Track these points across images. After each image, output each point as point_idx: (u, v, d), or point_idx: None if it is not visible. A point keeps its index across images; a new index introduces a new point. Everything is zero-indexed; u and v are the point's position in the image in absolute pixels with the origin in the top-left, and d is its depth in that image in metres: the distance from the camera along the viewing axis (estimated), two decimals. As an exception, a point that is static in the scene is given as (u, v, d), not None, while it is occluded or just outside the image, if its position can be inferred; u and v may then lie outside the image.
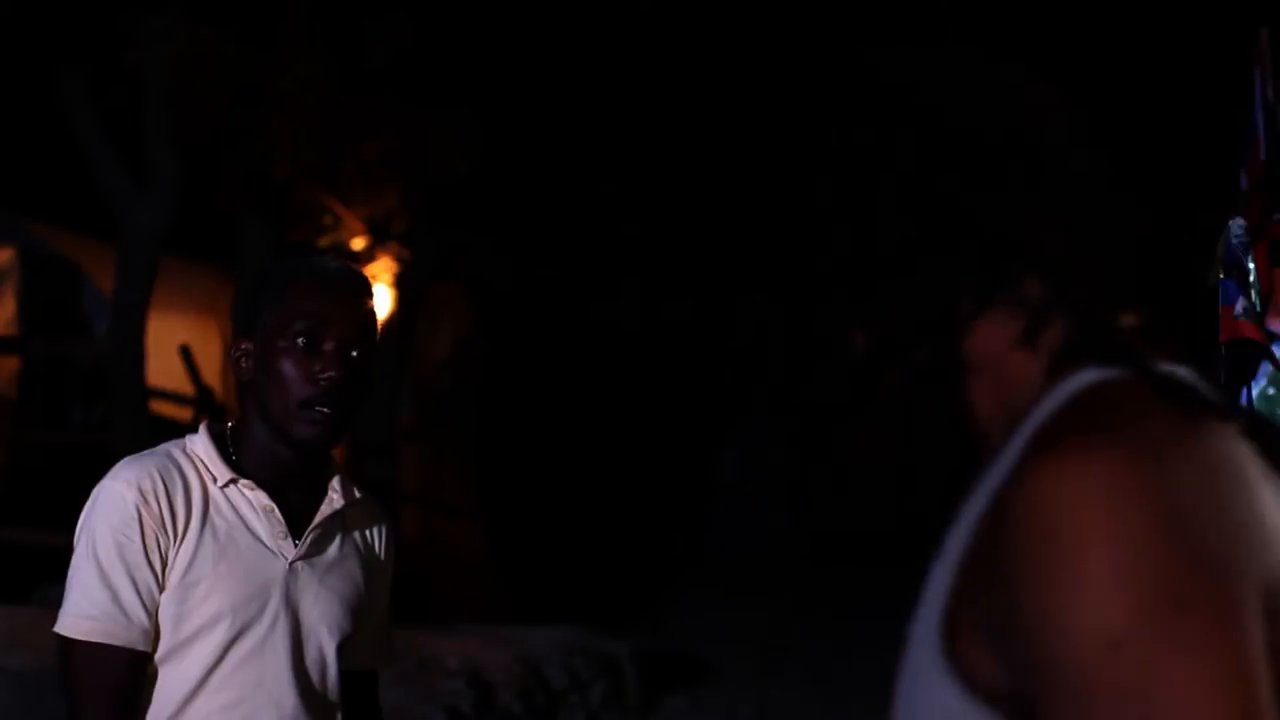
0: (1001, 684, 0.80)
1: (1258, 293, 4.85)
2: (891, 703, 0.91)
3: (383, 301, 8.63)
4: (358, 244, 8.70)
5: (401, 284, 8.94)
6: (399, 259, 8.81)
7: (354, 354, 2.02)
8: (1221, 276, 4.98)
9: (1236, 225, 4.99)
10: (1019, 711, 0.79)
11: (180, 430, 2.13)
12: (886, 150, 0.93)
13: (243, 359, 2.06)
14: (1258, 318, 4.81)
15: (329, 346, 2.00)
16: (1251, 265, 4.88)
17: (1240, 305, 4.84)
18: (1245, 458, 0.82)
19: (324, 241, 8.38)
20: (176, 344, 8.17)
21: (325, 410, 1.99)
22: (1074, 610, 0.74)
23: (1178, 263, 0.96)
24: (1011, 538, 0.78)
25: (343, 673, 2.10)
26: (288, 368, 1.99)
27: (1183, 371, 0.88)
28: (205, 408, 7.75)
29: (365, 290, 2.09)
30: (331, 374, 1.98)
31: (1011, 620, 0.78)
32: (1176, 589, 0.74)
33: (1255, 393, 4.75)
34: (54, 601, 1.99)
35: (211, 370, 8.47)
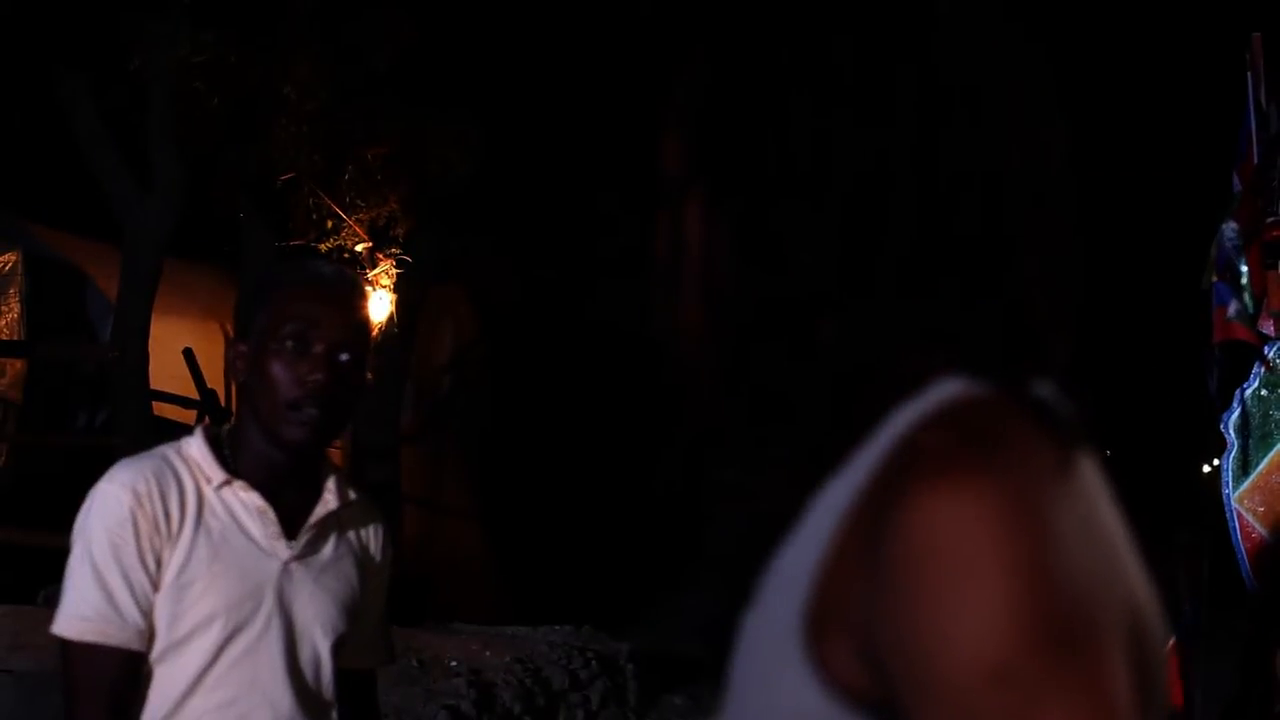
0: (867, 689, 0.80)
1: (1250, 295, 4.87)
2: (728, 695, 0.90)
3: (384, 304, 8.64)
4: (359, 247, 8.71)
5: (402, 287, 8.95)
6: (400, 262, 8.83)
7: (343, 357, 2.03)
8: (1215, 279, 5.01)
9: (1229, 229, 5.02)
10: (882, 715, 0.79)
11: (184, 433, 2.14)
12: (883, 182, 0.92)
13: (238, 361, 2.08)
14: (1250, 320, 4.84)
15: (318, 349, 2.01)
16: (1244, 268, 4.90)
17: (1233, 308, 4.86)
18: (1102, 483, 0.84)
19: (326, 245, 8.39)
20: (180, 347, 8.18)
21: (313, 412, 2.00)
22: (962, 638, 0.75)
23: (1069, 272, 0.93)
24: (897, 557, 0.77)
25: (340, 672, 2.11)
26: (277, 370, 2.01)
27: (1045, 389, 0.87)
28: (208, 410, 7.77)
29: (357, 294, 2.11)
30: (319, 376, 2.00)
31: (890, 634, 0.78)
32: (1062, 622, 0.75)
33: (1248, 394, 4.77)
34: (58, 603, 2.00)
35: (215, 373, 8.50)
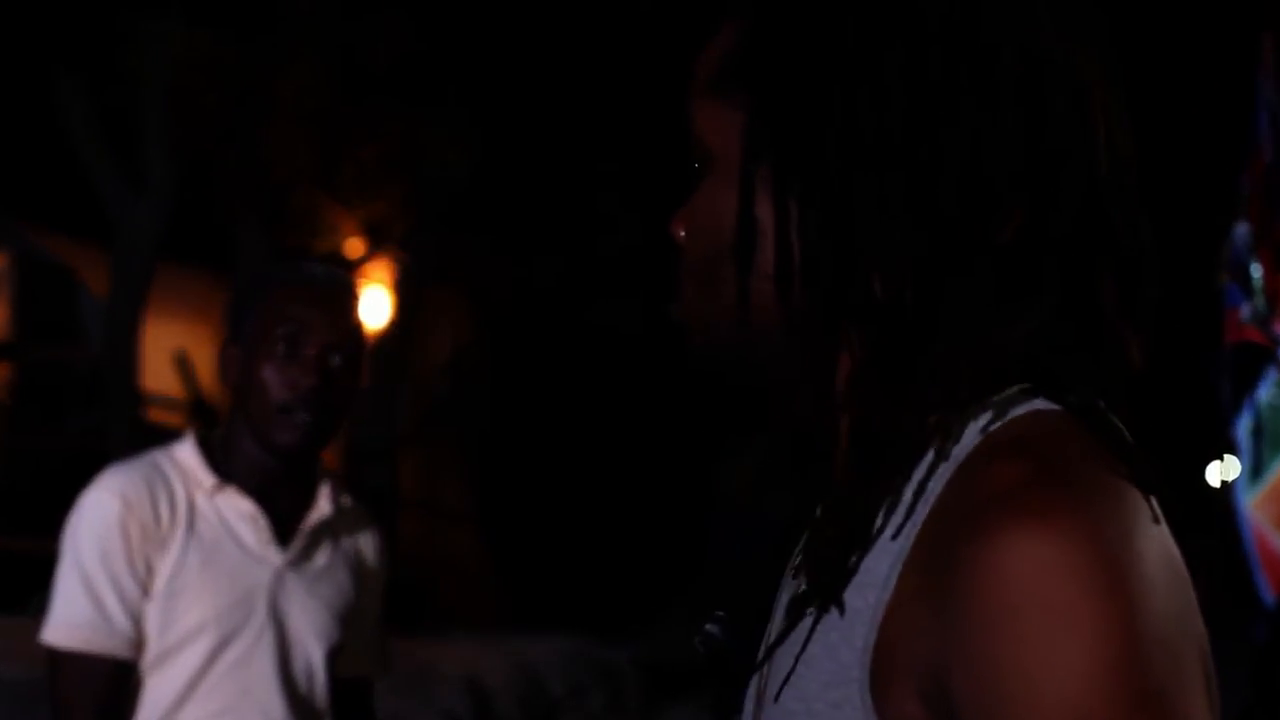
0: None
1: (1265, 297, 4.82)
2: None
3: (381, 305, 8.60)
4: (355, 248, 8.68)
5: (400, 288, 8.92)
6: (397, 262, 8.80)
7: (335, 361, 2.01)
8: (1228, 280, 4.96)
9: (1242, 229, 4.98)
10: None
11: (175, 438, 2.13)
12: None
13: (230, 364, 2.07)
14: (1263, 322, 4.79)
15: (309, 352, 2.00)
16: (1256, 270, 4.86)
17: (1247, 309, 4.82)
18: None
19: (321, 246, 8.36)
20: (172, 350, 8.15)
21: (304, 416, 1.99)
22: (1053, 689, 0.72)
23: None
24: (976, 601, 0.73)
25: (336, 680, 2.10)
26: (268, 373, 1.99)
27: (1112, 406, 0.83)
28: (199, 414, 7.73)
29: (349, 296, 2.10)
30: (310, 380, 1.98)
31: (967, 682, 0.74)
32: (1154, 670, 0.72)
33: (1261, 398, 4.72)
34: (47, 610, 2.00)
35: (208, 376, 8.46)
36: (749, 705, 0.92)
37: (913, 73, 0.81)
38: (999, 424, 0.80)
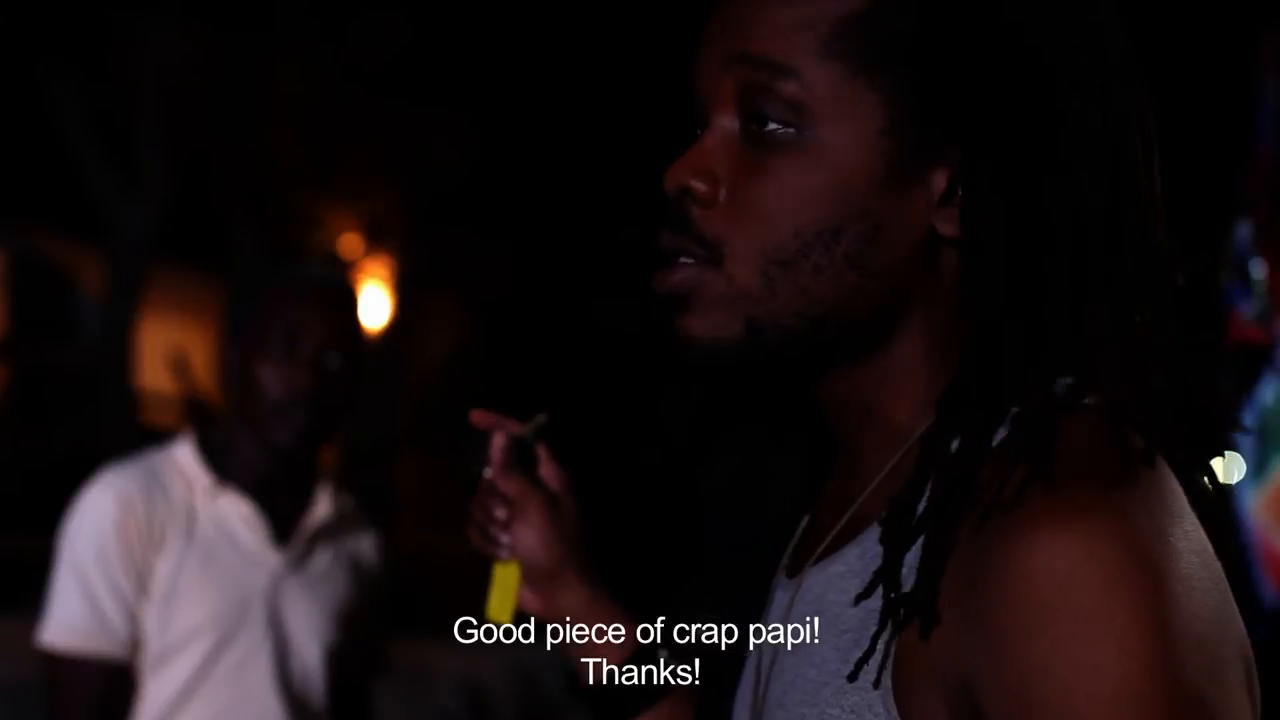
0: None
1: (1267, 296, 4.80)
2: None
3: (378, 305, 8.59)
4: (353, 247, 8.67)
5: (397, 287, 8.91)
6: (395, 262, 8.79)
7: (332, 361, 2.02)
8: (1227, 279, 4.94)
9: (1243, 228, 4.95)
10: None
11: (172, 438, 2.13)
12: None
13: (229, 365, 2.07)
14: (1265, 321, 4.77)
15: (306, 353, 2.00)
16: (1256, 269, 4.84)
17: (1248, 309, 4.80)
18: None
19: (318, 245, 8.36)
20: (168, 349, 8.14)
21: (300, 416, 1.99)
22: (1085, 696, 0.69)
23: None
24: (1008, 606, 0.71)
25: (334, 682, 2.10)
26: (265, 373, 2.00)
27: (1145, 400, 0.80)
28: (195, 414, 7.72)
29: (346, 297, 2.11)
30: (306, 380, 1.99)
31: (1000, 690, 0.71)
32: (1197, 675, 0.70)
33: (1270, 401, 4.70)
34: (43, 612, 2.00)
35: (204, 377, 8.45)
36: (741, 707, 0.90)
37: (1087, 128, 0.78)
38: (1019, 426, 0.77)
